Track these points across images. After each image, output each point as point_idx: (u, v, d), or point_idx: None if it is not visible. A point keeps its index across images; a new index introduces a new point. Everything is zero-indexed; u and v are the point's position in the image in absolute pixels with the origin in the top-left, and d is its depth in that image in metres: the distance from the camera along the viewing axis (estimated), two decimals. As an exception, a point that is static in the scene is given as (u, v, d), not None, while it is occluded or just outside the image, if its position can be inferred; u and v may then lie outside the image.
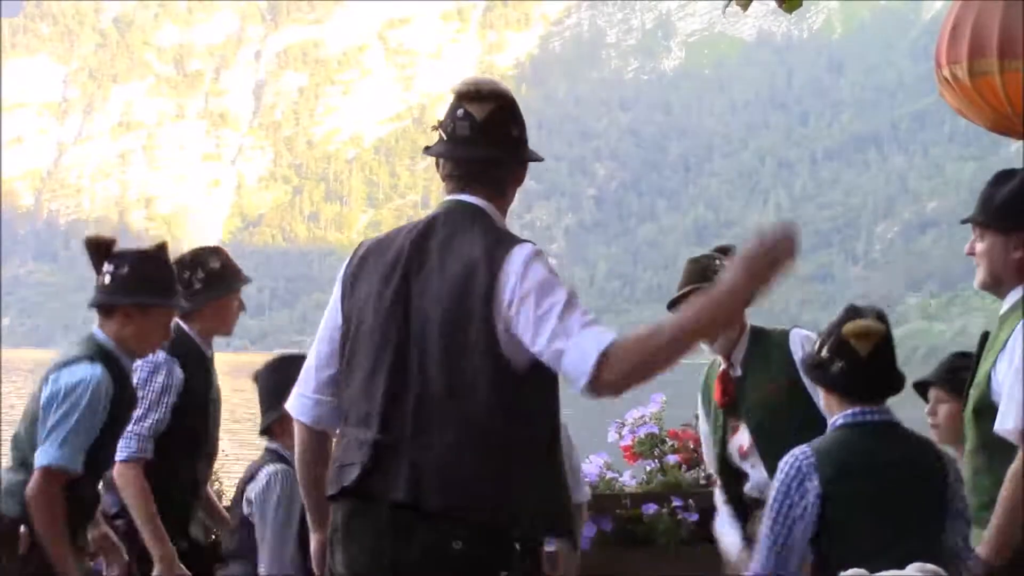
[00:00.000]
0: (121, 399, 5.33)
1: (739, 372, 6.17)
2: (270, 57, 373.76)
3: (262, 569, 5.66)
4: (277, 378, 5.93)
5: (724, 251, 6.32)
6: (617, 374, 3.80)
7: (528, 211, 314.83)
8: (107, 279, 5.37)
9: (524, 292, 3.92)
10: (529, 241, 4.08)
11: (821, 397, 4.99)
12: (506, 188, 4.25)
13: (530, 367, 3.97)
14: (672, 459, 7.36)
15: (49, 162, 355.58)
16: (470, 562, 3.97)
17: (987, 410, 4.66)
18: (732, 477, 6.31)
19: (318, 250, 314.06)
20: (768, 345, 6.14)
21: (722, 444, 6.30)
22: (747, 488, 6.23)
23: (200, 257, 6.16)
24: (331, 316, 4.30)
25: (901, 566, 4.68)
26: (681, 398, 6.94)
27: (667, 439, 7.44)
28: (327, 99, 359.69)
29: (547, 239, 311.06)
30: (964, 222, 4.87)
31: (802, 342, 6.02)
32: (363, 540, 4.09)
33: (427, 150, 4.25)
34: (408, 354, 4.06)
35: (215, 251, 6.34)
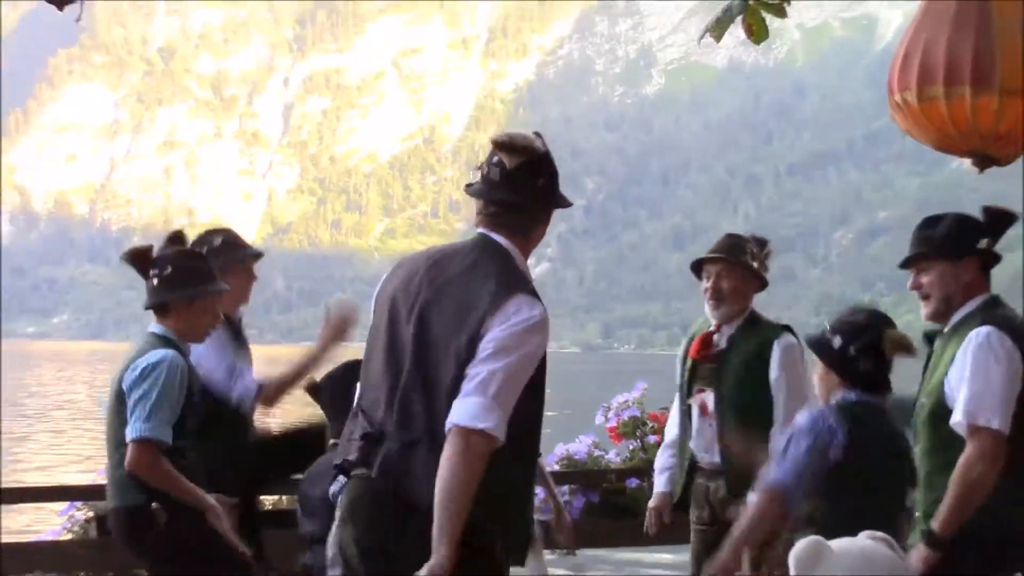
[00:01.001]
0: (192, 381, 5.37)
1: (724, 345, 6.12)
2: (297, 83, 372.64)
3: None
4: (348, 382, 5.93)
5: (761, 242, 6.25)
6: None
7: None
8: (155, 282, 5.40)
9: (501, 339, 3.97)
10: (533, 295, 4.10)
11: (822, 379, 4.96)
12: (529, 231, 4.28)
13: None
14: (652, 439, 7.35)
15: (102, 176, 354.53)
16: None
17: (942, 414, 4.71)
18: (687, 429, 6.29)
19: (340, 254, 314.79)
20: (759, 334, 6.08)
21: (687, 390, 6.28)
22: (691, 443, 6.24)
23: (205, 238, 6.11)
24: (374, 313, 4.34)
25: (883, 527, 4.75)
26: (660, 386, 6.94)
27: (648, 421, 7.43)
28: (347, 121, 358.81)
29: (542, 244, 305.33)
30: (905, 263, 4.92)
31: (784, 351, 6.00)
32: (358, 514, 4.14)
33: (468, 187, 4.28)
34: (413, 362, 4.10)
35: (217, 231, 6.27)
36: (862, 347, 4.75)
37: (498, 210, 4.22)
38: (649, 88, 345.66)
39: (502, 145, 4.21)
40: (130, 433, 5.16)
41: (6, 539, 7.26)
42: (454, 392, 3.97)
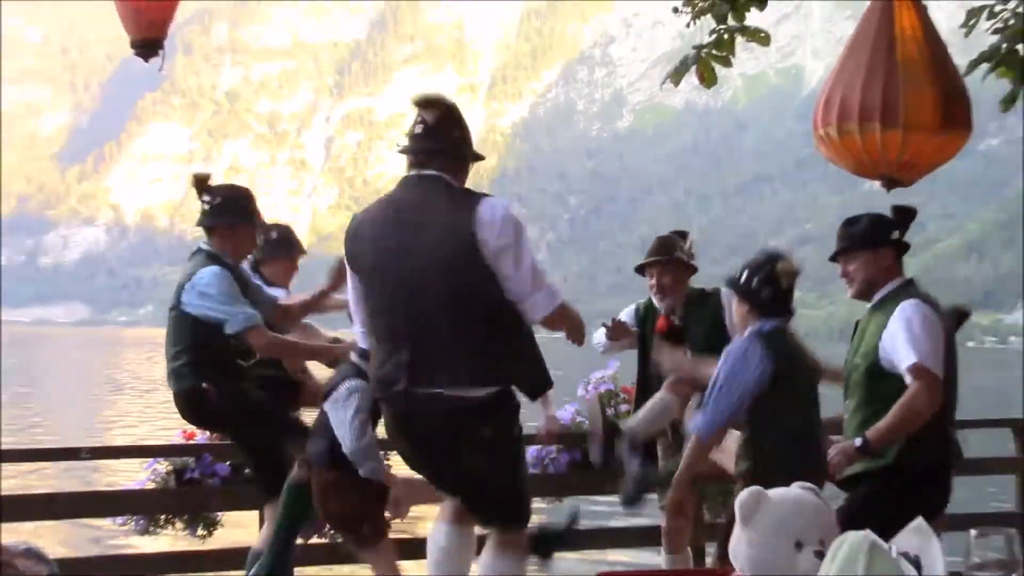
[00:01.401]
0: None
1: (679, 322, 6.06)
2: (336, 120, 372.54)
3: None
4: None
5: (682, 235, 6.23)
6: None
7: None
8: (205, 207, 5.45)
9: (505, 239, 3.94)
10: (486, 195, 4.08)
11: (737, 311, 5.00)
12: (454, 172, 4.14)
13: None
14: (624, 408, 7.31)
15: (179, 196, 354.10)
16: (490, 416, 4.03)
17: (877, 372, 4.67)
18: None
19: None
20: (707, 301, 5.99)
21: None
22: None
23: (267, 227, 6.11)
24: (349, 279, 4.28)
25: (808, 445, 4.80)
26: (629, 365, 6.91)
27: (620, 393, 7.38)
28: (377, 150, 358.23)
29: (534, 248, 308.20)
30: (835, 256, 4.91)
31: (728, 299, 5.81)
32: (415, 433, 4.14)
33: (399, 149, 4.22)
34: (413, 297, 3.99)
35: (279, 225, 6.32)
36: (762, 278, 4.81)
37: (425, 157, 4.11)
38: (620, 124, 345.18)
39: (421, 103, 4.17)
40: (230, 328, 5.17)
41: (100, 488, 7.28)
42: (456, 297, 3.92)
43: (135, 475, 6.58)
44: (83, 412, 39.83)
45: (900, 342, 4.56)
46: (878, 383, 4.64)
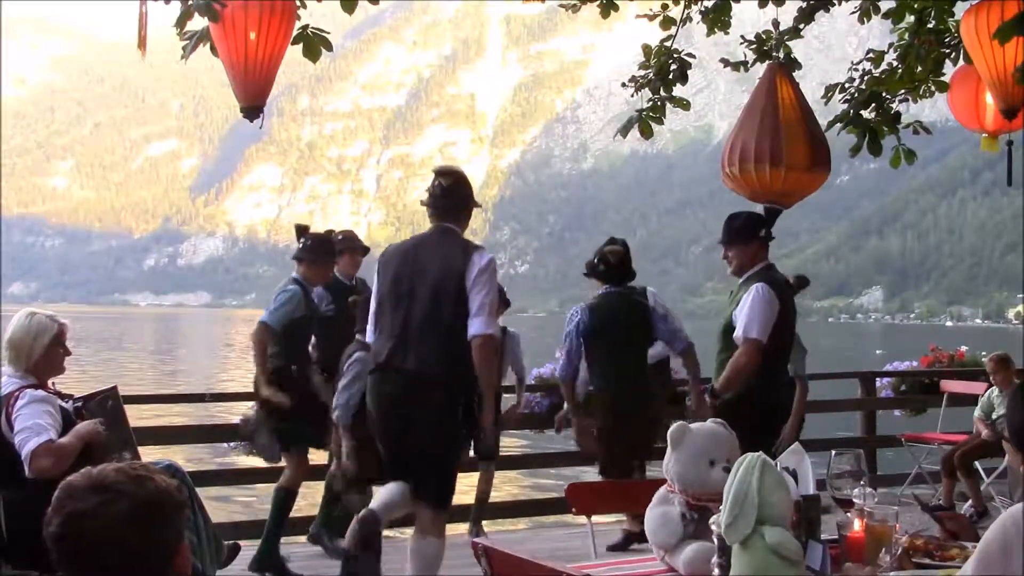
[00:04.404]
0: (308, 306, 5.19)
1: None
2: (384, 162, 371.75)
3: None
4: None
5: (620, 242, 5.85)
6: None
7: (512, 240, 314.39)
8: (301, 245, 5.33)
9: (479, 281, 3.90)
10: (482, 249, 4.05)
11: (592, 285, 5.14)
12: (462, 222, 4.17)
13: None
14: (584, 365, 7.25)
15: (274, 215, 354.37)
16: (443, 390, 3.91)
17: (730, 329, 4.62)
18: None
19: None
20: (633, 301, 5.70)
21: None
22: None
23: (337, 233, 5.88)
24: (375, 288, 4.18)
25: (634, 374, 5.00)
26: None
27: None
28: (413, 183, 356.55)
29: (523, 255, 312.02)
30: (722, 243, 4.80)
31: (653, 297, 5.66)
32: (385, 390, 4.01)
33: (423, 201, 4.18)
34: (413, 303, 3.98)
35: (345, 231, 6.05)
36: (600, 258, 5.07)
37: (443, 211, 4.12)
38: (585, 165, 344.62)
39: (440, 172, 4.20)
40: (263, 318, 5.10)
41: (217, 423, 7.22)
42: (446, 310, 3.90)
43: (242, 412, 6.53)
44: (207, 367, 39.78)
45: (741, 316, 4.54)
46: (730, 337, 4.62)
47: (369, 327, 4.18)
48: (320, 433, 5.24)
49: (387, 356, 3.97)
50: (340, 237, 5.85)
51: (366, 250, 6.06)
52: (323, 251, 5.35)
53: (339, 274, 5.77)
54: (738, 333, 4.53)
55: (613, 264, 4.93)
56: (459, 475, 4.18)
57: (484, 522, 6.31)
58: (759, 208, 4.90)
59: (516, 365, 6.20)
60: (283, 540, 5.29)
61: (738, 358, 4.50)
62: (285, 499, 5.22)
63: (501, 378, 5.85)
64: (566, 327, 5.08)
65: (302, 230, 5.43)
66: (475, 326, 3.84)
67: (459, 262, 3.93)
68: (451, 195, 4.13)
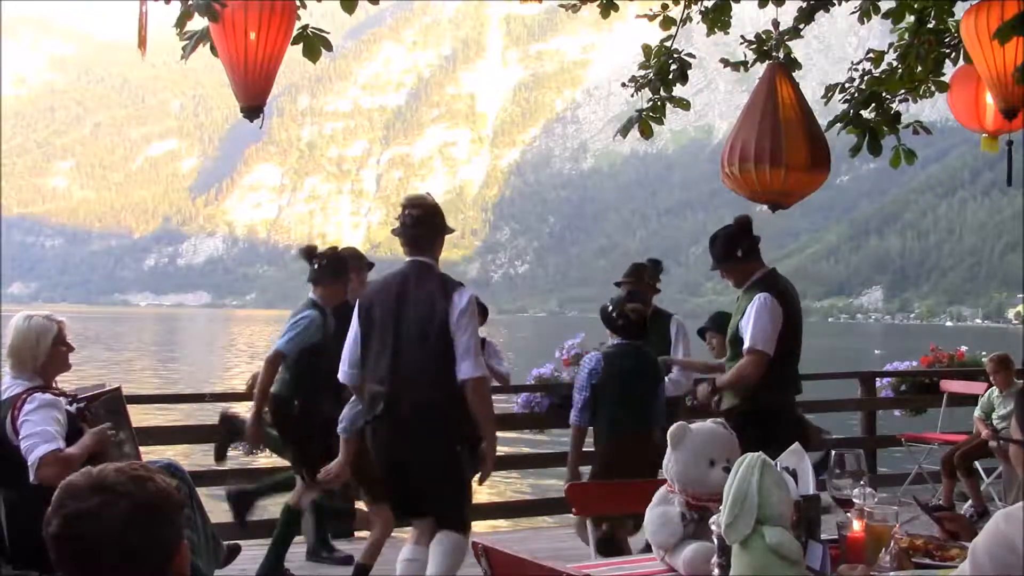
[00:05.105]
0: (325, 329, 5.15)
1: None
2: (384, 162, 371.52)
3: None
4: None
5: (656, 263, 5.94)
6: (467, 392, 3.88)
7: (512, 240, 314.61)
8: (315, 267, 5.26)
9: (461, 324, 3.91)
10: (463, 287, 4.04)
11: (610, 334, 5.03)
12: (435, 250, 4.13)
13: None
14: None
15: (273, 215, 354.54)
16: (440, 435, 3.92)
17: (738, 339, 4.64)
18: None
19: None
20: (661, 322, 5.74)
21: None
22: None
23: (344, 250, 5.70)
24: (353, 328, 4.14)
25: (635, 427, 4.88)
26: (592, 335, 6.87)
27: (584, 355, 7.36)
28: (412, 183, 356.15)
29: (525, 252, 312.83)
30: (713, 268, 4.82)
31: (675, 328, 5.72)
32: (385, 438, 4.00)
33: (393, 231, 4.17)
34: (403, 351, 3.96)
35: (349, 248, 5.85)
36: (619, 313, 4.87)
37: (414, 242, 4.10)
38: (585, 165, 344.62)
39: (409, 203, 4.15)
40: (274, 346, 5.03)
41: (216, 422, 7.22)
42: (434, 352, 3.90)
43: (243, 413, 6.54)
44: (208, 367, 39.78)
45: (747, 327, 4.55)
46: (738, 347, 4.64)
47: (343, 366, 4.12)
48: (320, 459, 5.05)
49: (384, 406, 3.95)
50: (325, 262, 5.76)
51: (371, 265, 5.98)
52: (340, 270, 5.28)
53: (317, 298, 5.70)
54: (746, 346, 4.54)
55: (634, 322, 4.92)
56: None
57: (483, 522, 6.28)
58: (763, 210, 4.90)
59: (494, 372, 6.08)
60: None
61: (745, 367, 4.53)
62: (293, 518, 5.21)
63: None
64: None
65: (311, 251, 5.31)
66: (464, 370, 3.85)
67: (441, 305, 3.92)
68: (422, 225, 4.09)
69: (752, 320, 4.53)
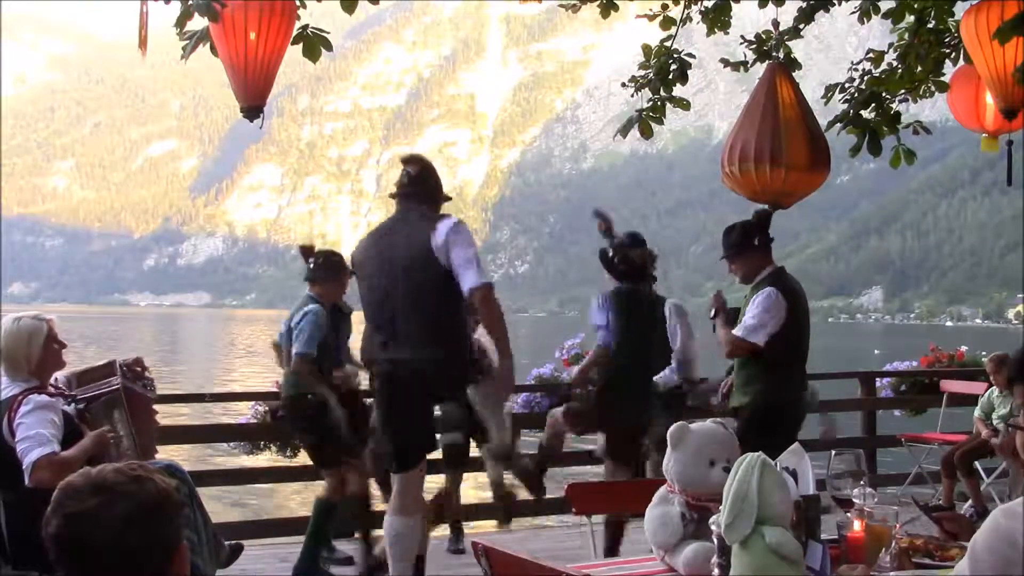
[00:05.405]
0: (328, 329, 5.17)
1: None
2: (384, 162, 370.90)
3: None
4: None
5: (652, 256, 5.78)
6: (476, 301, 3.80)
7: (512, 240, 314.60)
8: (311, 266, 5.28)
9: (453, 241, 3.83)
10: (448, 216, 3.98)
11: (606, 280, 5.13)
12: (433, 206, 4.10)
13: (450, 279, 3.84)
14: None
15: (274, 215, 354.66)
16: (435, 374, 3.90)
17: None
18: None
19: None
20: (657, 307, 5.59)
21: None
22: None
23: (324, 251, 5.58)
24: (360, 291, 4.19)
25: (644, 361, 5.08)
26: (591, 335, 6.87)
27: (584, 356, 7.37)
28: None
29: (523, 255, 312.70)
30: (723, 258, 4.78)
31: (671, 310, 5.61)
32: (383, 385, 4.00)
33: (391, 195, 4.17)
34: (388, 288, 3.94)
35: (332, 251, 5.70)
36: (618, 256, 5.07)
37: (407, 198, 4.08)
38: (585, 165, 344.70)
39: (407, 160, 4.18)
40: (295, 349, 5.04)
41: (218, 423, 7.23)
42: (421, 290, 3.86)
43: (242, 412, 6.55)
44: (208, 367, 39.78)
45: (747, 315, 4.55)
46: None
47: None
48: (344, 447, 5.15)
49: (376, 347, 3.96)
50: (320, 261, 5.62)
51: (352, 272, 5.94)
52: (336, 268, 5.29)
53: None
54: (739, 332, 4.51)
55: (637, 266, 4.97)
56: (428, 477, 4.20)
57: (485, 522, 6.25)
58: (751, 210, 4.89)
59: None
60: (284, 541, 5.28)
61: (735, 342, 4.51)
62: (325, 510, 5.19)
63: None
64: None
65: (308, 251, 5.34)
66: (468, 280, 3.76)
67: (425, 235, 3.87)
68: (419, 183, 4.09)
69: (753, 309, 4.51)
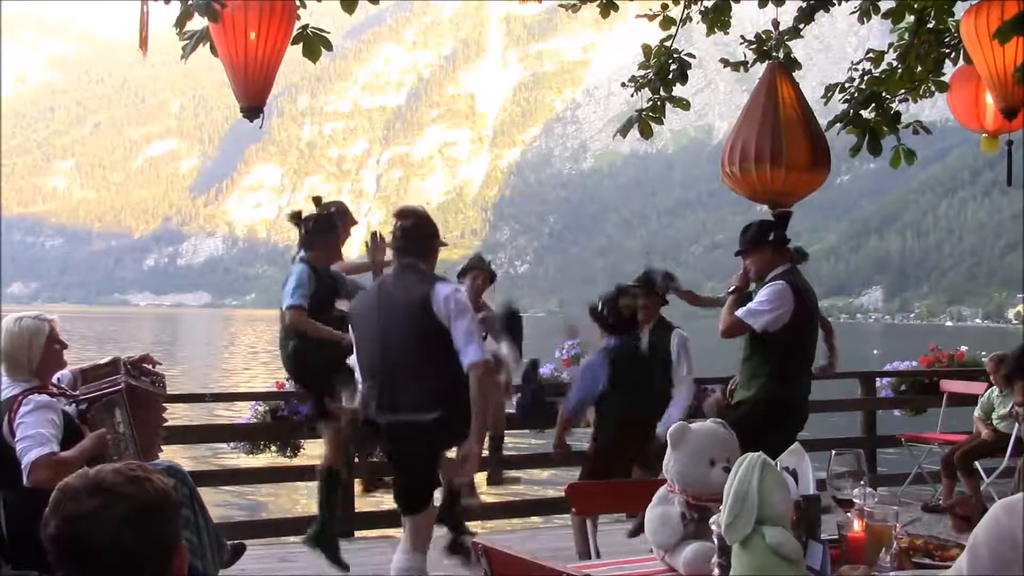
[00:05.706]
0: (319, 285, 5.04)
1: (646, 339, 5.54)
2: (384, 162, 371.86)
3: None
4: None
5: (669, 275, 5.76)
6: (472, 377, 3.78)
7: (512, 240, 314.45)
8: (302, 230, 5.20)
9: (452, 311, 3.82)
10: (446, 280, 4.00)
11: (599, 330, 5.09)
12: (428, 258, 4.09)
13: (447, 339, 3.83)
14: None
15: (274, 215, 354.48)
16: (437, 433, 3.89)
17: (751, 336, 4.58)
18: None
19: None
20: (664, 334, 5.58)
21: None
22: None
23: (328, 204, 5.47)
24: (352, 337, 4.16)
25: (642, 411, 5.03)
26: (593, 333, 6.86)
27: (584, 355, 7.36)
28: (413, 184, 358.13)
29: (525, 252, 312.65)
30: (737, 254, 4.74)
31: (677, 341, 5.52)
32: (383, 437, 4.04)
33: (388, 246, 4.17)
34: (387, 343, 3.93)
35: (335, 202, 5.58)
36: (607, 308, 4.97)
37: (404, 252, 4.06)
38: (585, 165, 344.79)
39: (401, 214, 4.15)
40: (284, 302, 4.97)
41: (219, 423, 7.22)
42: (422, 349, 3.87)
43: (243, 412, 6.55)
44: (208, 367, 39.76)
45: (751, 303, 4.54)
46: (751, 341, 4.60)
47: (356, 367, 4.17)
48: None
49: (372, 405, 3.96)
50: (333, 210, 5.50)
51: (355, 222, 5.82)
52: (329, 226, 5.20)
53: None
54: (739, 313, 4.50)
55: (626, 318, 4.95)
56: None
57: (483, 522, 6.23)
58: (763, 210, 4.90)
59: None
60: (284, 541, 5.27)
61: (733, 320, 4.49)
62: (329, 477, 5.15)
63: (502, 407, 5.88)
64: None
65: (298, 216, 5.25)
66: (469, 355, 3.76)
67: (424, 297, 3.85)
68: (412, 237, 4.07)
69: (760, 296, 4.50)
